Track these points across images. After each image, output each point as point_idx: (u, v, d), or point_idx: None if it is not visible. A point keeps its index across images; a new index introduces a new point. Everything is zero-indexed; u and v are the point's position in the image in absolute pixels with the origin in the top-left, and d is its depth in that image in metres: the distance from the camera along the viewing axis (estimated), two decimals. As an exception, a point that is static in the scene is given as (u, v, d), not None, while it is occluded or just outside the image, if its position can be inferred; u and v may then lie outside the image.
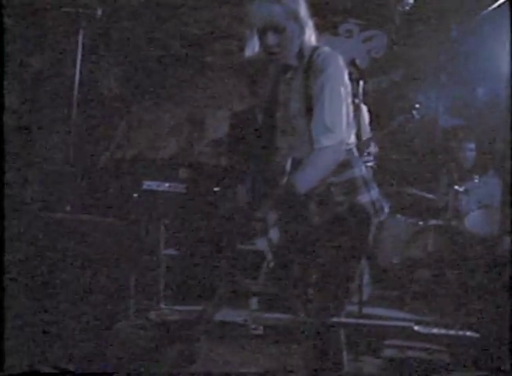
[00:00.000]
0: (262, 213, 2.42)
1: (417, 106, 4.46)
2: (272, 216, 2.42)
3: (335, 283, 2.51)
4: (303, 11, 2.49)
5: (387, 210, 2.64)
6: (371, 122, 4.65)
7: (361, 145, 4.38)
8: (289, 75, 2.57)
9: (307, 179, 2.43)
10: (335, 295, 2.52)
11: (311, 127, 2.47)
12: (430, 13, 5.57)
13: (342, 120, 2.47)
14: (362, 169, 2.63)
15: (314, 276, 2.56)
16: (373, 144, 4.58)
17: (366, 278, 4.47)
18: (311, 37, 2.55)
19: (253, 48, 2.52)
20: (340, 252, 2.51)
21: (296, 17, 2.46)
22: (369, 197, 2.57)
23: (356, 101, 4.47)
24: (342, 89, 2.48)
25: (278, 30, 2.43)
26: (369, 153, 4.49)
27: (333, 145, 2.44)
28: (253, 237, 2.41)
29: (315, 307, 2.52)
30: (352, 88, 2.65)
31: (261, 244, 2.38)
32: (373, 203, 2.57)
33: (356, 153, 2.64)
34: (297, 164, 2.50)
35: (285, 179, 2.50)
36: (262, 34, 2.45)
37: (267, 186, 2.58)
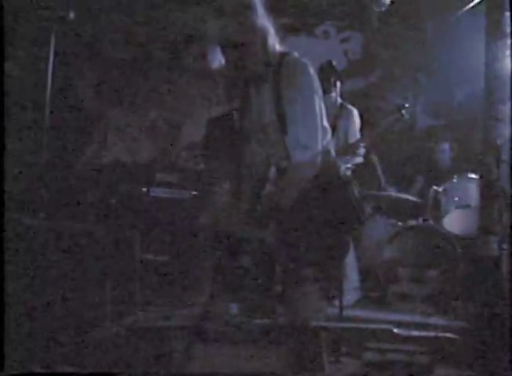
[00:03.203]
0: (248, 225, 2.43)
1: (407, 105, 4.40)
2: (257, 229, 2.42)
3: (317, 286, 2.49)
4: (261, 21, 2.46)
5: (368, 211, 2.62)
6: (362, 127, 4.57)
7: (350, 147, 4.33)
8: (259, 83, 2.55)
9: (287, 196, 2.43)
10: (317, 298, 2.50)
11: (286, 141, 2.46)
12: (406, 14, 5.58)
13: (317, 134, 2.45)
14: (341, 169, 2.60)
15: (296, 281, 2.54)
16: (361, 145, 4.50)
17: (354, 281, 4.43)
18: (275, 44, 2.52)
19: (219, 61, 2.50)
20: (320, 254, 2.49)
21: (254, 29, 2.44)
22: (348, 198, 2.54)
23: (337, 102, 4.45)
24: (314, 98, 2.47)
25: (236, 45, 2.42)
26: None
27: (309, 160, 2.43)
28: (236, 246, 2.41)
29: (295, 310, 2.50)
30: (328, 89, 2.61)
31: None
32: (352, 204, 2.55)
33: (333, 154, 2.61)
34: (278, 173, 2.49)
35: (267, 188, 2.49)
36: (222, 49, 2.45)
37: (246, 194, 2.57)
